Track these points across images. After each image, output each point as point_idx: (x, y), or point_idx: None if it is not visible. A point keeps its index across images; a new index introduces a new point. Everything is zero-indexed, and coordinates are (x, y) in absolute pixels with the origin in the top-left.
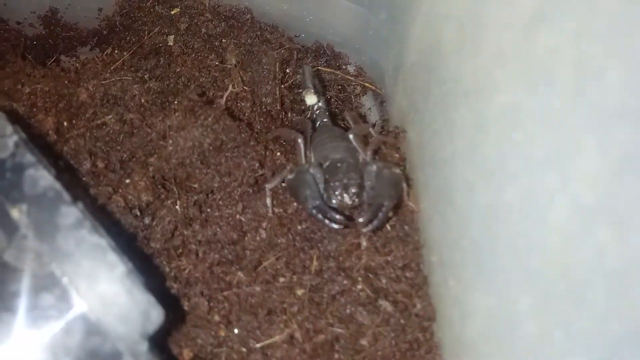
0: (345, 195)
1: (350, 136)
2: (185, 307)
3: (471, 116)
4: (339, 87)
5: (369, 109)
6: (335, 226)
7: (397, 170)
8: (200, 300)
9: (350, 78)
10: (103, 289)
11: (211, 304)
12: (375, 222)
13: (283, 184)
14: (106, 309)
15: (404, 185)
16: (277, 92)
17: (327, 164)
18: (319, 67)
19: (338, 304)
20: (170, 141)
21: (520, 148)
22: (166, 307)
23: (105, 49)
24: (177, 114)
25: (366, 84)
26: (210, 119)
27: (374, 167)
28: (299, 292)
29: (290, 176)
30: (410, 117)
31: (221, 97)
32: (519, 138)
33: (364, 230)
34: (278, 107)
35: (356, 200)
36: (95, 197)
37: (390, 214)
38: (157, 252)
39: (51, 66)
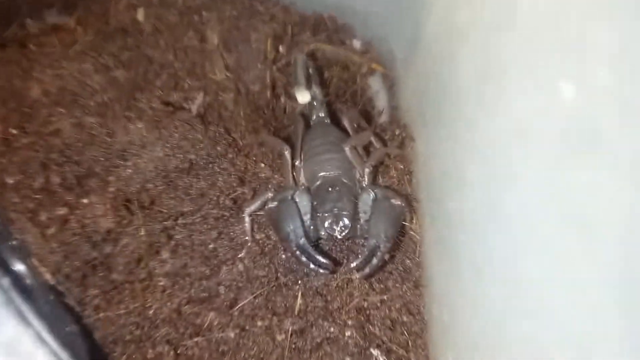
0: (334, 227)
1: (346, 149)
2: (149, 355)
3: (484, 179)
4: (342, 66)
5: (377, 91)
6: (322, 271)
7: (398, 202)
8: (165, 348)
9: (355, 58)
10: None
11: (178, 351)
12: (368, 269)
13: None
14: None
15: (406, 216)
16: (267, 76)
17: (317, 183)
18: (318, 44)
19: (323, 352)
20: (130, 163)
21: (535, 254)
22: None
23: (73, 13)
24: (139, 125)
25: (373, 66)
26: (177, 135)
27: (371, 196)
28: (279, 337)
29: (271, 205)
30: (418, 125)
31: (199, 90)
32: (534, 242)
33: (357, 276)
34: (268, 95)
35: (347, 234)
36: (47, 224)
37: (387, 257)
38: (118, 286)
39: (15, 31)
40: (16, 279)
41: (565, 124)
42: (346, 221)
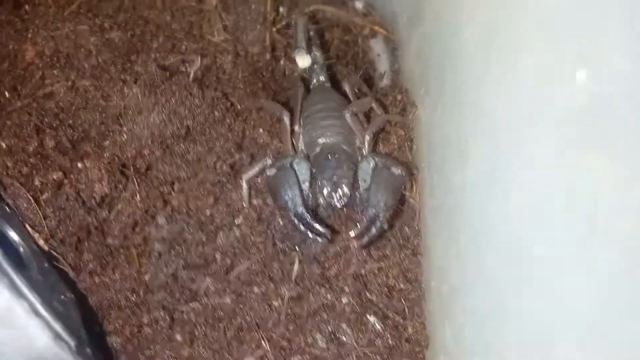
0: (333, 195)
1: (347, 115)
2: (144, 320)
3: (489, 153)
4: (343, 28)
5: (378, 55)
6: (320, 240)
7: (399, 171)
8: (161, 313)
9: (357, 20)
10: None
11: (174, 315)
12: (366, 238)
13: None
14: None
15: (406, 185)
16: (267, 38)
17: (316, 151)
18: (319, 6)
19: (319, 319)
20: (126, 128)
21: (541, 239)
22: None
23: None
24: (135, 89)
25: (375, 28)
26: (174, 100)
27: (371, 164)
28: (276, 303)
29: (270, 172)
30: (421, 92)
31: (196, 53)
32: (541, 227)
33: (355, 244)
34: (267, 58)
35: (346, 202)
36: (41, 189)
37: (386, 226)
38: (114, 251)
39: None
40: (9, 247)
41: (579, 109)
42: (345, 189)
